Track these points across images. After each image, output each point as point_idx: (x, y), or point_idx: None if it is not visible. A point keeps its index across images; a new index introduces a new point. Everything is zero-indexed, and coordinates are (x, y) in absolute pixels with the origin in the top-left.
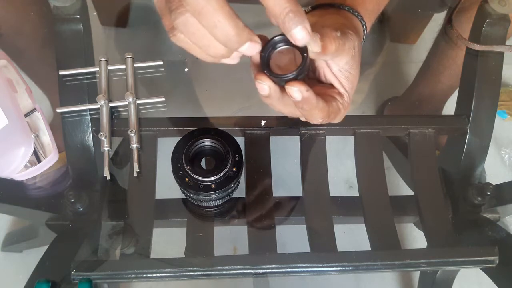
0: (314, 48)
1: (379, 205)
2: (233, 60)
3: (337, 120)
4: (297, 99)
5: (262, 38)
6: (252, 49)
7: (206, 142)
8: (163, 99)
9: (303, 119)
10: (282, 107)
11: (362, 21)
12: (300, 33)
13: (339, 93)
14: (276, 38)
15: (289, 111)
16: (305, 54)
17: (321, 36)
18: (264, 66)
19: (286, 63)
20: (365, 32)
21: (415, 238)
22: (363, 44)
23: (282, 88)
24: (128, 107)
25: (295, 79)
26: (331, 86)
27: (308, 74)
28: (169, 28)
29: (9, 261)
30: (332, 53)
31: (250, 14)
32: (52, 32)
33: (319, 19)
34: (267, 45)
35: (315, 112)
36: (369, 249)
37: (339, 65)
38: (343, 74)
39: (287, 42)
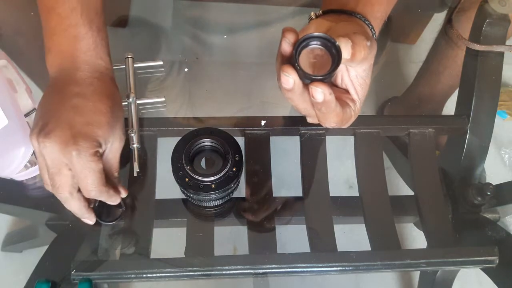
0: (344, 55)
1: (379, 205)
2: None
3: (346, 126)
4: (318, 100)
5: (292, 30)
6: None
7: (206, 142)
8: (163, 99)
9: (309, 120)
10: (300, 103)
11: (372, 30)
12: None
13: (353, 100)
14: (313, 34)
15: (305, 108)
16: (337, 60)
17: (353, 43)
18: (295, 60)
19: (313, 61)
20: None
21: (415, 238)
22: None
23: (305, 85)
24: (128, 107)
25: (322, 81)
26: (346, 91)
27: None
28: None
29: (9, 261)
30: (358, 61)
31: (250, 14)
32: None
33: (333, 25)
34: (301, 41)
35: (331, 116)
36: (369, 249)
37: (357, 71)
38: (358, 81)
39: (321, 42)
